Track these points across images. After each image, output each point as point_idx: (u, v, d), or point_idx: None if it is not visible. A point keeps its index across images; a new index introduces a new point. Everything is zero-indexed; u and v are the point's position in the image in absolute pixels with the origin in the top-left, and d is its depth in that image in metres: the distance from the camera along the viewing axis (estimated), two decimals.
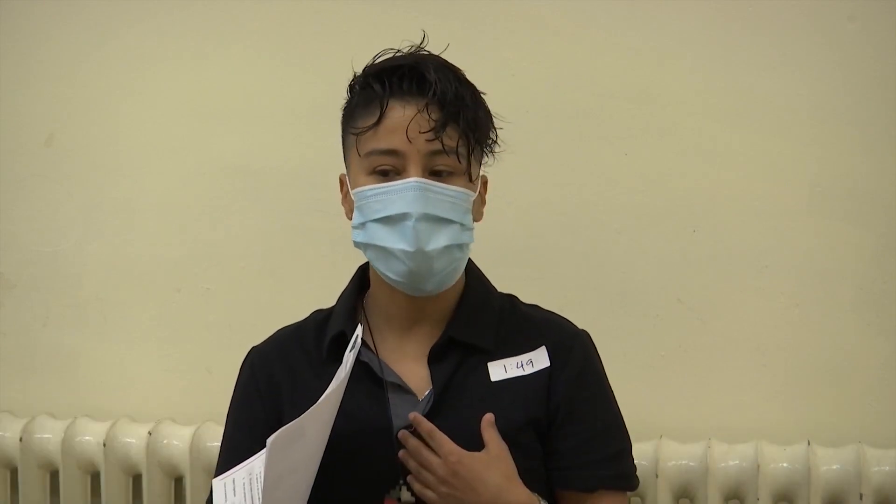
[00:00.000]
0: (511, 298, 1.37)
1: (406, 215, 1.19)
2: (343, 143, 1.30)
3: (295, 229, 1.91)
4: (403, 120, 1.20)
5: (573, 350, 1.30)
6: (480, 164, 1.28)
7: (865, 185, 1.71)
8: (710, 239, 1.76)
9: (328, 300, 1.36)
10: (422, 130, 1.20)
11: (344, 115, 1.29)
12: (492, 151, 1.29)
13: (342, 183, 1.31)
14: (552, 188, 1.81)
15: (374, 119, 1.21)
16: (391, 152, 1.21)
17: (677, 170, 1.77)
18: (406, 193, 1.19)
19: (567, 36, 1.80)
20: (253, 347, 1.38)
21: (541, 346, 1.29)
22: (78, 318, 2.01)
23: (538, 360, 1.28)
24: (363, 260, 1.34)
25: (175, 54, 1.95)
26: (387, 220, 1.21)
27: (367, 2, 1.85)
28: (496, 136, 1.28)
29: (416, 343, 1.29)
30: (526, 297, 1.39)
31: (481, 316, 1.30)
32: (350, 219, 1.29)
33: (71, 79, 2.00)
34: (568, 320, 1.35)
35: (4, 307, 2.05)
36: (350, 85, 1.28)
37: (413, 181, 1.19)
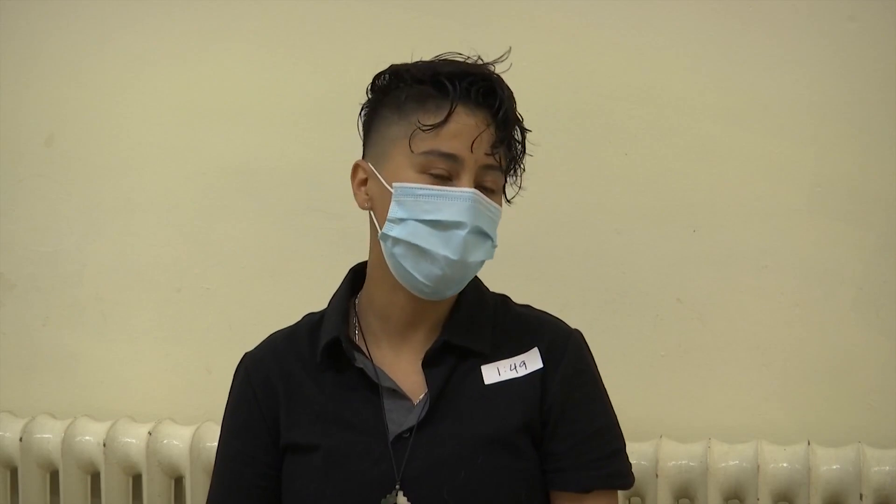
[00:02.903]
0: (504, 298, 1.37)
1: (460, 224, 1.19)
2: (376, 128, 1.25)
3: (295, 229, 1.91)
4: (471, 129, 1.19)
5: (566, 351, 1.29)
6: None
7: (865, 185, 1.71)
8: (710, 239, 1.76)
9: (328, 300, 1.36)
10: (485, 144, 1.20)
11: (382, 104, 1.25)
12: (520, 178, 1.29)
13: (356, 170, 1.28)
14: (552, 188, 1.80)
15: (440, 119, 1.19)
16: (451, 157, 1.19)
17: (677, 170, 1.77)
18: (462, 203, 1.19)
19: (567, 36, 1.80)
20: (246, 353, 1.37)
21: (533, 347, 1.29)
22: (78, 318, 2.02)
23: (531, 361, 1.28)
24: (362, 259, 1.34)
25: (175, 54, 1.95)
26: (436, 224, 1.19)
27: (367, 2, 1.85)
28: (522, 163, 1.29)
29: (410, 347, 1.29)
30: (526, 298, 1.39)
31: (477, 319, 1.30)
32: (363, 208, 1.27)
33: (71, 79, 2.00)
34: (560, 320, 1.35)
35: (4, 307, 2.05)
36: (387, 73, 1.24)
37: (471, 192, 1.19)
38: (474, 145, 1.19)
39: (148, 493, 1.86)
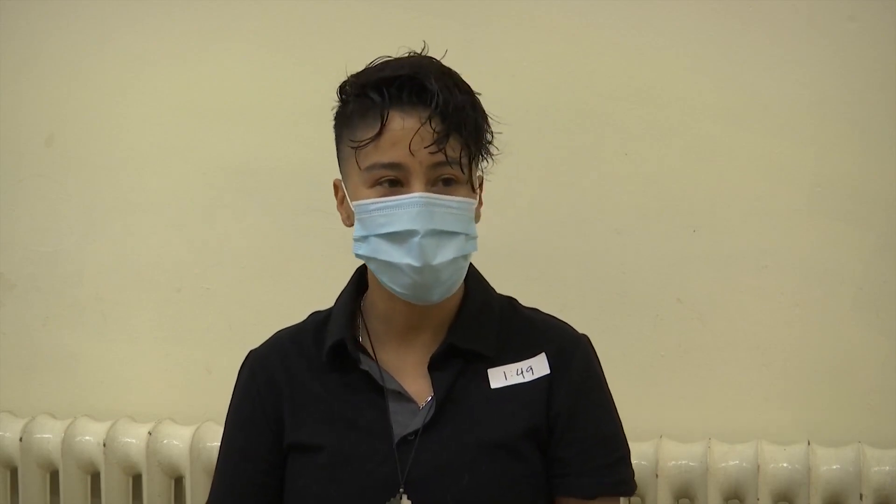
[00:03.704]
0: (511, 301, 1.36)
1: (412, 232, 1.18)
2: (338, 151, 1.27)
3: (295, 229, 1.91)
4: (405, 132, 1.17)
5: (574, 357, 1.29)
6: (478, 167, 1.27)
7: (865, 185, 1.70)
8: (710, 239, 1.76)
9: (328, 300, 1.36)
10: (425, 143, 1.17)
11: (338, 123, 1.26)
12: (490, 154, 1.26)
13: (337, 188, 1.29)
14: (552, 188, 1.80)
15: (374, 131, 1.18)
16: (393, 165, 1.18)
17: (677, 170, 1.77)
18: (411, 209, 1.18)
19: (567, 36, 1.80)
20: (251, 350, 1.37)
21: (541, 352, 1.28)
22: (78, 318, 2.02)
23: (538, 366, 1.28)
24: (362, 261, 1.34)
25: (175, 54, 1.95)
26: (392, 236, 1.19)
27: (367, 1, 1.85)
28: (492, 137, 1.26)
29: (416, 350, 1.28)
30: (526, 297, 1.38)
31: (482, 322, 1.29)
32: (347, 225, 1.28)
33: (71, 79, 2.00)
34: (568, 325, 1.35)
35: (4, 307, 2.05)
36: (341, 89, 1.25)
37: (418, 196, 1.17)
38: (412, 148, 1.17)
39: (148, 493, 1.86)
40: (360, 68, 1.26)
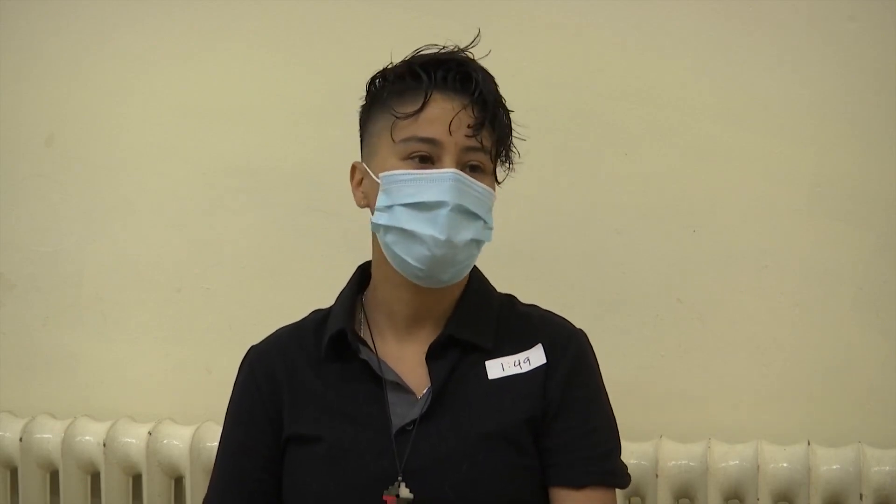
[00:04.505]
0: (510, 298, 1.37)
1: (442, 203, 1.20)
2: (366, 128, 1.29)
3: (295, 229, 1.91)
4: (447, 112, 1.22)
5: (568, 348, 1.30)
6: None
7: (865, 185, 1.71)
8: (710, 239, 1.76)
9: (328, 300, 1.36)
10: (466, 125, 1.22)
11: (374, 101, 1.29)
12: (511, 162, 1.31)
13: (354, 170, 1.31)
14: (552, 188, 1.81)
15: (416, 107, 1.22)
16: (430, 141, 1.22)
17: (677, 170, 1.77)
18: (443, 183, 1.20)
19: (567, 36, 1.80)
20: (252, 346, 1.38)
21: (537, 343, 1.29)
22: (78, 318, 2.02)
23: (535, 357, 1.29)
24: (362, 259, 1.34)
25: (175, 54, 1.95)
26: (419, 206, 1.21)
27: (367, 1, 1.85)
28: (516, 151, 1.31)
29: (415, 341, 1.29)
30: (526, 297, 1.39)
31: (481, 314, 1.31)
32: (361, 206, 1.30)
33: (71, 79, 2.00)
34: (565, 319, 1.35)
35: (4, 307, 2.05)
36: (377, 76, 1.28)
37: (451, 172, 1.21)
38: (452, 127, 1.21)
39: (148, 493, 1.86)
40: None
